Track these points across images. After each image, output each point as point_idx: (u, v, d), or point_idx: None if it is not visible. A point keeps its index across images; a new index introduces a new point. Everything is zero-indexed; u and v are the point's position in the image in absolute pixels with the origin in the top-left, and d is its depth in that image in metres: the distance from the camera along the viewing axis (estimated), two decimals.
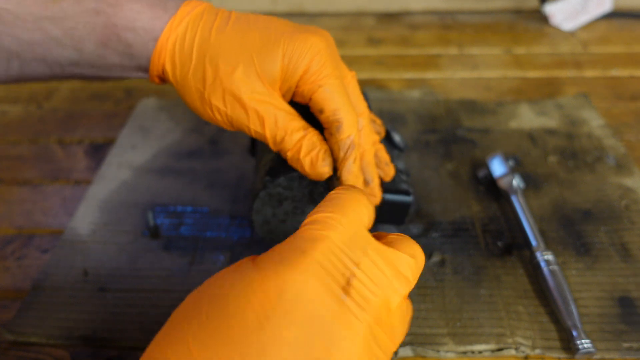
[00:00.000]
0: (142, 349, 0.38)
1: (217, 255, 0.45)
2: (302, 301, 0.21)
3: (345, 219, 0.24)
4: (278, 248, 0.23)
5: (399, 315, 0.24)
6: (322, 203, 0.25)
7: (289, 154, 0.33)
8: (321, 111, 0.33)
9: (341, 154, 0.32)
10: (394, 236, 0.25)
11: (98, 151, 0.59)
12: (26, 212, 0.51)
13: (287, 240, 0.24)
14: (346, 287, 0.22)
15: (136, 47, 0.33)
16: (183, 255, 0.45)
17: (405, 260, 0.24)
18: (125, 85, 0.71)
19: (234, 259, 0.45)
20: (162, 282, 0.43)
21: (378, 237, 0.25)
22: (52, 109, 0.67)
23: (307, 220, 0.24)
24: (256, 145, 0.45)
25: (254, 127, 0.33)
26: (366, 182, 0.35)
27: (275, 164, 0.37)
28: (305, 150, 0.32)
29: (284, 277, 0.21)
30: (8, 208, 0.51)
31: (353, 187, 0.27)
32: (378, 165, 0.38)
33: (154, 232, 0.47)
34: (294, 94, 0.34)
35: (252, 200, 0.38)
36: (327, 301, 0.21)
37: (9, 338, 0.39)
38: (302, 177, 0.36)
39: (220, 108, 0.33)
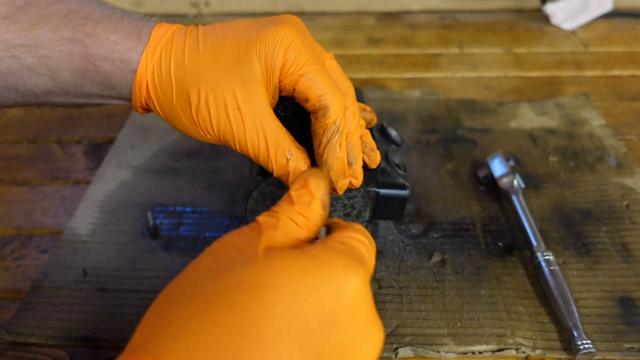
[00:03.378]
0: None
1: None
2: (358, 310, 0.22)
3: (368, 240, 0.26)
4: (315, 251, 0.23)
5: None
6: (344, 228, 0.26)
7: (275, 174, 0.33)
8: (306, 100, 0.32)
9: (324, 140, 0.32)
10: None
11: (97, 151, 0.59)
12: (25, 212, 0.50)
13: (319, 247, 0.24)
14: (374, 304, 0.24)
15: (115, 78, 0.32)
16: (182, 255, 0.45)
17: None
18: None
19: None
20: (161, 283, 0.43)
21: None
22: (51, 109, 0.67)
23: (336, 235, 0.26)
24: None
25: (239, 146, 0.32)
26: (349, 164, 0.34)
27: None
28: (292, 177, 0.32)
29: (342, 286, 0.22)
30: (7, 208, 0.51)
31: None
32: (363, 150, 0.37)
33: (153, 232, 0.47)
34: (280, 91, 0.33)
35: (246, 200, 0.38)
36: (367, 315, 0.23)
37: (8, 338, 0.39)
38: None
39: (209, 129, 0.32)
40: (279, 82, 0.32)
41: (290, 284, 0.21)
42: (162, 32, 0.32)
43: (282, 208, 0.26)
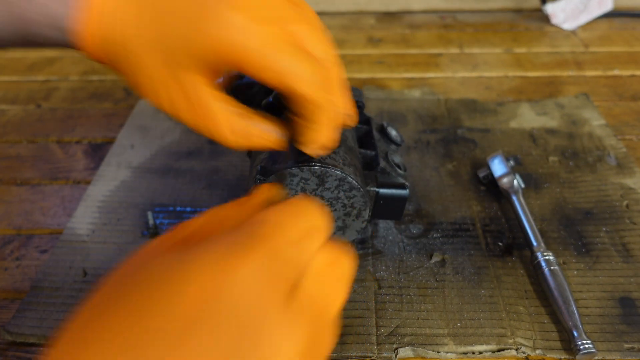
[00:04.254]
0: None
1: None
2: (241, 305, 0.18)
3: (294, 224, 0.22)
4: (218, 239, 0.20)
5: (331, 325, 0.22)
6: (277, 206, 0.23)
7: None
8: (276, 89, 0.28)
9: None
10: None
11: (97, 151, 0.59)
12: (25, 212, 0.50)
13: (230, 234, 0.21)
14: (292, 290, 0.20)
15: (45, 29, 0.28)
16: None
17: (344, 267, 0.23)
18: (124, 85, 0.71)
19: None
20: None
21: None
22: (51, 109, 0.67)
23: (255, 218, 0.22)
24: None
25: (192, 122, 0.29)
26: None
27: (266, 162, 0.37)
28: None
29: (225, 274, 0.18)
30: (7, 208, 0.51)
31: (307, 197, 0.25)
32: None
33: (154, 232, 0.47)
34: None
35: None
36: (269, 306, 0.19)
37: (7, 338, 0.39)
38: (293, 175, 0.36)
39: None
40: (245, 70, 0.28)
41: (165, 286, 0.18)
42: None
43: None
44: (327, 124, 0.30)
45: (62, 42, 0.28)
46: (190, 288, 0.18)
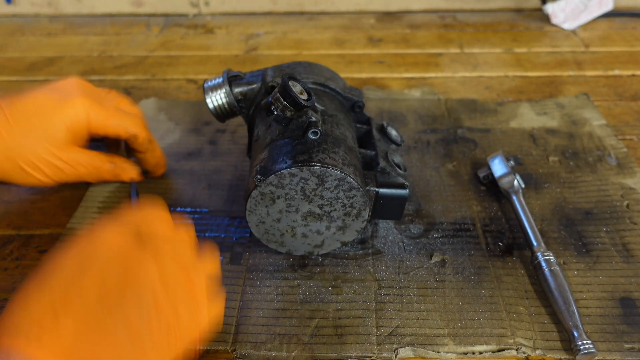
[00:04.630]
0: None
1: None
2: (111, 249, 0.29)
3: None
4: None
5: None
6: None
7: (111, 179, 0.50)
8: (118, 136, 0.48)
9: (148, 153, 0.51)
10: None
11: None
12: (25, 212, 0.50)
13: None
14: (137, 233, 0.31)
15: None
16: None
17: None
18: (124, 85, 0.71)
19: (233, 259, 0.44)
20: None
21: None
22: None
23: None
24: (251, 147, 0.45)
25: (81, 179, 0.49)
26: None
27: (266, 162, 0.37)
28: (124, 174, 0.51)
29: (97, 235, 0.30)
30: (6, 208, 0.51)
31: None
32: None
33: None
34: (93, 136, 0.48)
35: (245, 200, 0.38)
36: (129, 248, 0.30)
37: None
38: (293, 175, 0.36)
39: (51, 180, 0.47)
40: (90, 132, 0.47)
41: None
42: None
43: None
44: (157, 147, 0.52)
45: None
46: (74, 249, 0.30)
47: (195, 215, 0.49)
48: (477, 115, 0.61)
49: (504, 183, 0.48)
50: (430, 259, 0.44)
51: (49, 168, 0.45)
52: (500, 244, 0.45)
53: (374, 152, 0.42)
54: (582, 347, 0.35)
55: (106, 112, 0.46)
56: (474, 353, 0.37)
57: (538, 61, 0.74)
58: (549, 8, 0.84)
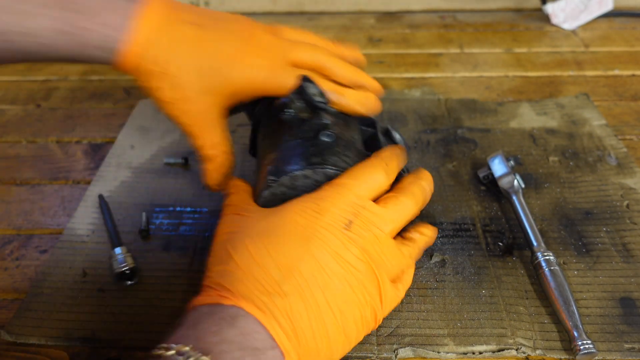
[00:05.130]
0: (141, 349, 0.38)
1: None
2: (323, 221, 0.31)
3: (359, 180, 0.33)
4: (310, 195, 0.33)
5: (390, 245, 0.33)
6: (353, 170, 0.34)
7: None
8: None
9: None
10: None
11: (97, 151, 0.59)
12: (25, 212, 0.50)
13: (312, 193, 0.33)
14: (348, 225, 0.31)
15: (95, 52, 0.35)
16: (182, 255, 0.45)
17: (399, 212, 0.34)
18: (124, 85, 0.71)
19: None
20: (161, 283, 0.43)
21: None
22: (51, 109, 0.67)
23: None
24: (257, 145, 0.44)
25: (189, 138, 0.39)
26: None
27: (278, 163, 0.37)
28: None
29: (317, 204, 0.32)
30: (6, 208, 0.51)
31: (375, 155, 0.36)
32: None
33: (144, 234, 0.47)
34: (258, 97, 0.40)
35: (255, 199, 0.37)
36: (335, 231, 0.31)
37: (7, 339, 0.39)
38: (306, 177, 0.35)
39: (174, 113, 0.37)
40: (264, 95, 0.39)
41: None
42: (155, 13, 0.35)
43: None
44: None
45: (105, 60, 0.35)
46: (287, 220, 0.31)
47: (195, 215, 0.49)
48: (477, 115, 0.61)
49: (504, 183, 0.48)
50: (430, 259, 0.44)
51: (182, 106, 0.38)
52: (500, 244, 0.45)
53: None
54: (582, 347, 0.35)
55: (272, 81, 0.38)
56: (474, 353, 0.37)
57: (538, 61, 0.74)
58: (549, 8, 0.84)
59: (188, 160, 0.55)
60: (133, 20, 0.34)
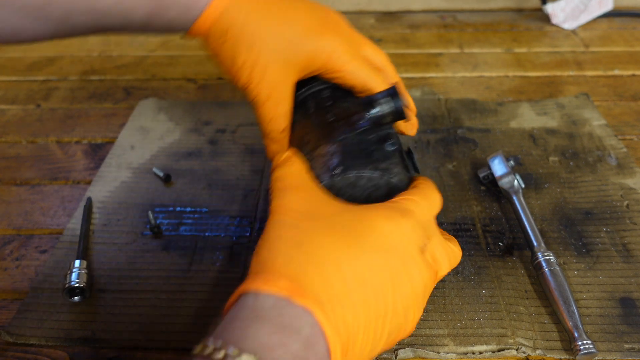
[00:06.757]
0: (141, 349, 0.38)
1: (216, 255, 0.45)
2: (399, 246, 0.29)
3: (426, 203, 0.32)
4: (386, 204, 0.31)
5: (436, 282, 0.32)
6: (409, 190, 0.33)
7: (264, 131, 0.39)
8: (352, 88, 0.39)
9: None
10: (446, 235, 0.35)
11: (97, 151, 0.59)
12: (25, 212, 0.50)
13: (388, 204, 0.31)
14: (422, 248, 0.30)
15: (177, 23, 0.36)
16: (182, 255, 0.45)
17: (455, 253, 0.33)
18: (124, 85, 0.71)
19: (233, 258, 0.44)
20: (161, 283, 0.43)
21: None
22: (51, 109, 0.67)
23: (399, 197, 0.32)
24: (295, 124, 0.41)
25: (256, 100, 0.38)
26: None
27: (344, 157, 0.35)
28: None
29: (394, 226, 0.29)
30: (6, 208, 0.51)
31: (427, 179, 0.35)
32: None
33: (156, 231, 0.47)
34: (319, 75, 0.39)
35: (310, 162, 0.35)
36: (413, 252, 0.30)
37: (7, 339, 0.39)
38: (370, 180, 0.34)
39: (248, 81, 0.37)
40: (321, 74, 0.39)
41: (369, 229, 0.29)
42: None
43: None
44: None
45: (181, 27, 0.37)
46: (375, 230, 0.29)
47: (195, 215, 0.49)
48: (477, 115, 0.61)
49: (504, 183, 0.48)
50: None
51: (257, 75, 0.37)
52: (500, 244, 0.45)
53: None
54: (582, 347, 0.35)
55: (345, 58, 0.38)
56: (474, 353, 0.37)
57: (538, 61, 0.74)
58: (549, 8, 0.84)
59: (170, 177, 0.53)
60: None
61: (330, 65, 0.38)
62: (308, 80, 0.41)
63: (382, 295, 0.27)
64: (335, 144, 0.36)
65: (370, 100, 0.37)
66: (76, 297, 0.41)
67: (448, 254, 0.32)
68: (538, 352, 0.37)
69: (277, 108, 0.37)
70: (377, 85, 0.38)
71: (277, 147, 0.39)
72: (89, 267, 0.43)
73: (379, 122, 0.37)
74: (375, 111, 0.36)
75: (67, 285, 0.41)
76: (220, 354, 0.22)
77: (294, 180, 0.32)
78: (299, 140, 0.39)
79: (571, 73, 0.71)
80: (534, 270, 0.42)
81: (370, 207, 0.31)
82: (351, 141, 0.36)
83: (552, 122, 0.60)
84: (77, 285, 0.41)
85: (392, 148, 0.36)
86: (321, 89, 0.41)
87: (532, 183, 0.51)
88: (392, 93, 0.36)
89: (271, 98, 0.37)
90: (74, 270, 0.42)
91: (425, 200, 0.32)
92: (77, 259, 0.43)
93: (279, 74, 0.36)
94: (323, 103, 0.40)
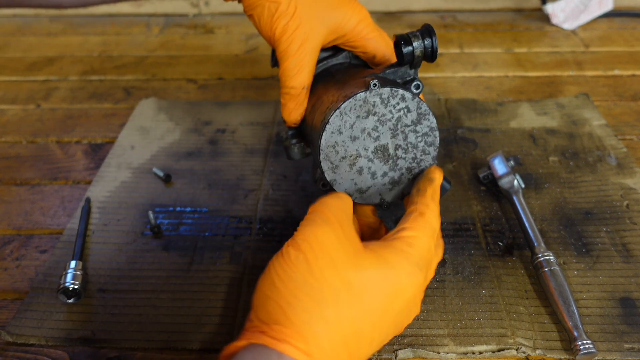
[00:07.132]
0: (141, 349, 0.38)
1: (216, 255, 0.45)
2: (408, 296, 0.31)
3: (424, 235, 0.32)
4: (383, 244, 0.31)
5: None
6: (405, 220, 0.33)
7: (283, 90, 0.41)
8: (374, 56, 0.42)
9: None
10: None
11: (97, 151, 0.59)
12: (25, 212, 0.50)
13: (387, 243, 0.31)
14: (425, 278, 0.32)
15: None
16: (182, 255, 0.45)
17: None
18: (124, 85, 0.71)
19: (233, 258, 0.44)
20: (161, 283, 0.43)
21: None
22: (51, 109, 0.67)
23: (405, 234, 0.32)
24: (316, 85, 0.43)
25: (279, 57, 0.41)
26: None
27: (377, 78, 0.36)
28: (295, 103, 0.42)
29: (395, 270, 0.30)
30: (6, 208, 0.51)
31: (433, 182, 0.35)
32: None
33: (156, 231, 0.47)
34: (341, 44, 0.43)
35: (343, 99, 0.36)
36: (419, 296, 0.32)
37: (7, 339, 0.39)
38: (404, 99, 0.36)
39: (270, 32, 0.40)
40: (347, 41, 0.42)
41: (371, 284, 0.29)
42: None
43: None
44: None
45: None
46: (382, 292, 0.29)
47: (195, 215, 0.49)
48: (477, 115, 0.61)
49: (504, 183, 0.48)
50: None
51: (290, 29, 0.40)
52: (500, 243, 0.45)
53: None
54: (582, 347, 0.35)
55: (372, 26, 0.42)
56: (474, 353, 0.37)
57: (538, 61, 0.74)
58: (549, 8, 0.84)
59: (170, 177, 0.53)
60: None
61: (356, 31, 0.41)
62: (323, 58, 0.44)
63: (385, 337, 0.30)
64: (368, 76, 0.37)
65: (407, 36, 0.37)
66: (71, 299, 0.41)
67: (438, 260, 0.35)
68: (538, 352, 0.37)
69: (304, 60, 0.40)
70: (394, 57, 0.41)
71: (295, 104, 0.41)
72: (87, 268, 0.43)
73: (410, 61, 0.37)
74: (412, 47, 0.36)
75: (61, 287, 0.40)
76: None
77: (333, 218, 0.31)
78: (317, 99, 0.41)
79: (571, 73, 0.71)
80: (534, 270, 0.42)
81: (392, 259, 0.30)
82: (379, 75, 0.38)
83: (552, 122, 0.60)
84: (71, 286, 0.40)
85: (415, 90, 0.37)
86: (340, 62, 0.45)
87: (532, 183, 0.51)
88: (429, 29, 0.37)
89: (302, 49, 0.39)
90: (69, 271, 0.42)
91: (427, 232, 0.33)
92: (73, 259, 0.43)
93: (312, 28, 0.40)
94: (344, 70, 0.43)
